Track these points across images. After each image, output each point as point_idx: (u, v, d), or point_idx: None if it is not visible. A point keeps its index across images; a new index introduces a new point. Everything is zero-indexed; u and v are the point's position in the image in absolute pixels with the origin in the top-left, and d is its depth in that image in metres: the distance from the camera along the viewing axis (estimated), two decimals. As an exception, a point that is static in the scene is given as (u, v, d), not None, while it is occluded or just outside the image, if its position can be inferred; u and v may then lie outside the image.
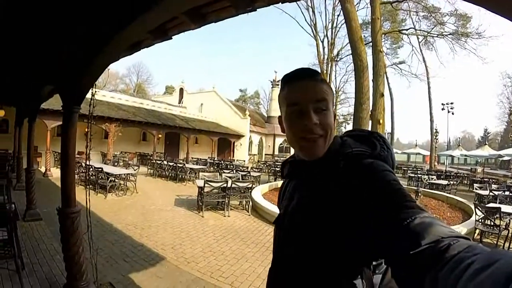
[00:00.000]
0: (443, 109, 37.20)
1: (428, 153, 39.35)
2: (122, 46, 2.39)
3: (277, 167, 16.77)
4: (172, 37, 2.91)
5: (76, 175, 3.22)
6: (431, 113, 35.94)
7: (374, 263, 0.85)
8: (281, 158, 28.69)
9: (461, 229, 6.58)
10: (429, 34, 26.15)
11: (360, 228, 0.72)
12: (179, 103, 34.48)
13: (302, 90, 0.90)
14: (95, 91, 3.23)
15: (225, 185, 8.34)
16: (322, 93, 0.89)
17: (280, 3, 2.28)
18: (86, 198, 3.30)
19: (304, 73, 0.93)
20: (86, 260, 3.09)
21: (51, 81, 3.89)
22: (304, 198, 0.94)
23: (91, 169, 9.97)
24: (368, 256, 0.80)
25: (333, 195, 0.82)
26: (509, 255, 0.40)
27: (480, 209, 6.76)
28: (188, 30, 2.69)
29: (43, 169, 13.45)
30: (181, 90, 36.40)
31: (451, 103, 36.54)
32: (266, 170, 18.75)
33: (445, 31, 24.55)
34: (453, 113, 36.80)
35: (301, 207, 0.93)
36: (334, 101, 0.97)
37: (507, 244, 6.07)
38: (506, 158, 26.93)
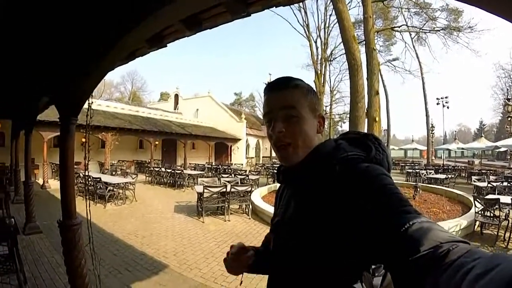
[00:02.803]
0: (438, 103, 37.46)
1: (425, 148, 39.44)
2: (119, 56, 2.38)
3: (275, 169, 16.62)
4: (167, 44, 2.91)
5: (74, 186, 3.20)
6: (426, 108, 36.05)
7: (373, 266, 0.84)
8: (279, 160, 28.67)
9: (461, 221, 6.64)
10: (421, 30, 26.39)
11: (359, 234, 0.71)
12: (175, 109, 34.52)
13: (272, 102, 0.94)
14: (92, 101, 3.21)
15: (224, 189, 8.36)
16: (290, 100, 0.91)
17: (274, 7, 2.29)
18: (87, 209, 3.28)
19: (276, 84, 0.95)
20: (89, 272, 3.07)
21: (48, 93, 3.87)
22: (302, 206, 0.92)
23: (89, 179, 9.93)
24: (367, 261, 0.79)
25: (330, 201, 0.81)
26: (509, 259, 0.40)
27: (479, 201, 6.83)
28: (183, 37, 2.68)
29: (40, 181, 13.41)
30: (176, 96, 36.42)
31: (446, 97, 36.81)
32: (264, 172, 18.79)
33: (437, 27, 24.77)
34: (448, 107, 37.07)
35: (300, 215, 0.92)
36: (317, 104, 0.97)
37: (507, 234, 6.12)
38: (502, 149, 26.99)
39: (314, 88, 1.00)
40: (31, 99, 4.90)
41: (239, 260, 1.15)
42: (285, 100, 0.91)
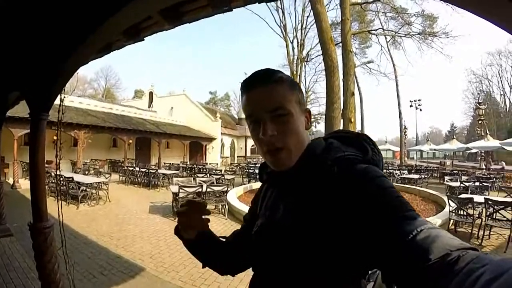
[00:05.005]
0: (411, 106, 38.46)
1: (398, 148, 40.39)
2: (93, 49, 2.27)
3: (250, 169, 17.04)
4: (145, 38, 2.81)
5: (46, 186, 3.05)
6: (399, 110, 36.98)
7: (369, 272, 0.81)
8: (254, 160, 29.00)
9: (436, 220, 6.84)
10: (396, 34, 27.11)
11: (360, 239, 0.67)
12: (149, 107, 34.02)
13: (255, 101, 0.83)
14: (64, 97, 3.08)
15: (200, 189, 8.32)
16: (276, 100, 0.81)
17: (257, 3, 2.24)
18: (58, 211, 3.14)
19: (256, 80, 0.84)
20: (62, 277, 2.94)
21: (17, 87, 3.69)
22: (294, 209, 0.85)
23: (61, 178, 9.62)
24: (366, 267, 0.76)
25: (328, 204, 0.76)
26: None
27: (453, 200, 7.04)
28: (162, 31, 2.61)
29: (11, 181, 12.95)
30: (151, 94, 36.09)
31: (419, 100, 37.87)
32: (240, 172, 18.88)
33: (412, 31, 25.49)
34: (421, 110, 38.12)
35: (292, 218, 0.85)
36: (302, 98, 0.89)
37: (481, 232, 6.34)
38: (473, 150, 28.11)
39: None
40: (0, 93, 4.68)
41: (195, 216, 1.00)
42: (271, 98, 0.81)
